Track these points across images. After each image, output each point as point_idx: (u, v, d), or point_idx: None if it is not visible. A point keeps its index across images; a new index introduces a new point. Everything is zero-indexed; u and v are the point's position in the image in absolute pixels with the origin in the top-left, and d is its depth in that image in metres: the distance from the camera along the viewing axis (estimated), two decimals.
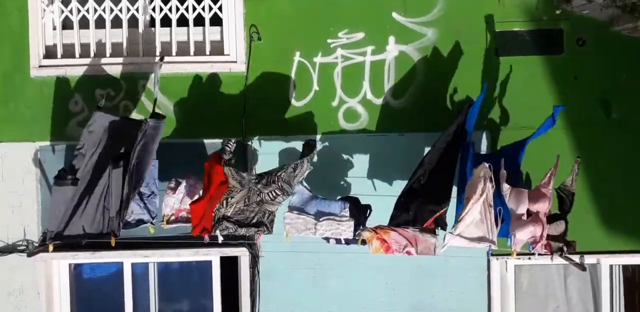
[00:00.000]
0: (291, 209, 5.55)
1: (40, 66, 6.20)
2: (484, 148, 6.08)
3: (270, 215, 5.58)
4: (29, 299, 6.20)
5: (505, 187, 5.38)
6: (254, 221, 5.59)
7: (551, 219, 5.52)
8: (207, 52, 6.22)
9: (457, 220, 5.28)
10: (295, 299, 6.19)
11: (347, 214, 5.52)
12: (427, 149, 5.99)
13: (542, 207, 5.39)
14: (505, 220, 5.37)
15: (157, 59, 5.93)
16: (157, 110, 6.10)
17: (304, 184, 5.62)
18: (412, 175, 5.58)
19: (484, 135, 6.09)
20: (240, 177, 5.54)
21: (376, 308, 6.19)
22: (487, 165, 5.22)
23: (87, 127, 5.68)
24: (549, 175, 5.49)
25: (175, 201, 5.63)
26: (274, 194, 5.54)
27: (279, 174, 5.55)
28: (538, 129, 5.68)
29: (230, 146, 5.59)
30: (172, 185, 5.68)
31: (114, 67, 6.17)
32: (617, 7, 5.80)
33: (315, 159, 5.77)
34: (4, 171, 6.20)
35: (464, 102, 5.94)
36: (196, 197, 5.61)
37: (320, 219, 5.50)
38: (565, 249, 5.61)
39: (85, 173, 5.62)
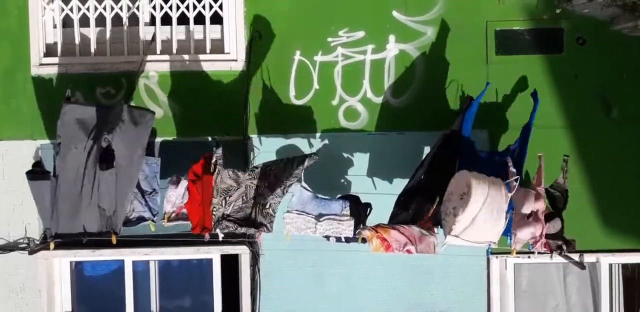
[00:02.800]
0: (291, 210, 5.55)
1: (40, 64, 6.19)
2: (483, 147, 6.07)
3: (269, 216, 5.56)
4: (30, 297, 6.21)
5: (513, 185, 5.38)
6: (253, 216, 5.58)
7: (547, 217, 5.53)
8: (208, 51, 6.22)
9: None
10: (296, 297, 6.20)
11: (348, 213, 5.52)
12: (426, 148, 6.03)
13: (541, 206, 5.40)
14: (508, 219, 5.38)
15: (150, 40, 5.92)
16: (157, 108, 6.15)
17: (304, 184, 5.62)
18: (412, 175, 5.59)
19: (484, 135, 6.09)
20: (236, 175, 5.55)
21: (376, 306, 6.21)
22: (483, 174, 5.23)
23: (59, 121, 5.55)
24: (538, 175, 5.49)
25: (177, 196, 5.63)
26: (268, 186, 5.55)
27: (271, 167, 5.56)
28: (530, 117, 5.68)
29: (219, 154, 5.55)
30: (174, 179, 5.69)
31: (114, 65, 6.16)
32: (617, 6, 5.80)
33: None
34: (5, 169, 6.21)
35: (464, 101, 5.95)
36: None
37: (321, 219, 5.51)
38: (564, 247, 5.61)
39: (70, 168, 5.51)
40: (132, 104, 5.97)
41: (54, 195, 5.50)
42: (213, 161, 5.49)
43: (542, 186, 5.45)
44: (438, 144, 5.68)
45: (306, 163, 5.40)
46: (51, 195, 5.50)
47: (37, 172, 5.55)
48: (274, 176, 5.53)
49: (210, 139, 5.59)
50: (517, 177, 5.27)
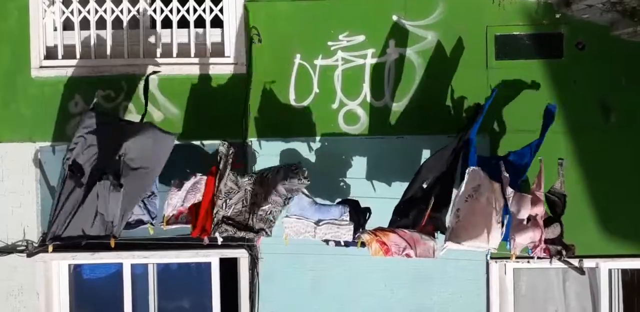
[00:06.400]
0: (290, 215, 5.54)
1: (41, 67, 6.20)
2: (483, 152, 6.07)
3: (269, 221, 5.55)
4: (28, 299, 6.20)
5: (509, 191, 5.38)
6: (251, 222, 5.58)
7: (546, 222, 5.53)
8: (208, 54, 6.23)
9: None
10: (295, 301, 6.19)
11: (347, 218, 5.52)
12: (425, 152, 6.04)
13: (540, 211, 5.41)
14: (506, 224, 5.37)
15: (151, 71, 6.01)
16: (156, 111, 6.16)
17: (303, 190, 5.60)
18: (410, 184, 5.55)
19: (484, 139, 6.08)
20: (236, 179, 5.55)
21: (375, 311, 6.19)
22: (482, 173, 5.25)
23: (78, 127, 5.63)
24: (538, 179, 5.51)
25: (179, 199, 5.62)
26: (264, 195, 5.55)
27: (266, 175, 5.56)
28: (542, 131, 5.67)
29: (225, 149, 5.58)
30: (177, 182, 5.68)
31: (114, 68, 6.17)
32: (616, 12, 5.82)
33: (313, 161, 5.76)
34: (4, 171, 6.20)
35: (473, 110, 5.91)
36: (198, 195, 5.60)
37: (320, 224, 5.51)
38: (564, 252, 5.61)
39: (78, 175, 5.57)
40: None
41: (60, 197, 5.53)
42: (223, 160, 5.50)
43: (541, 190, 5.45)
44: (455, 154, 5.60)
45: (297, 184, 5.38)
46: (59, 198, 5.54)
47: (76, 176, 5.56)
48: (267, 184, 5.54)
49: (221, 142, 5.59)
50: (506, 177, 5.28)
